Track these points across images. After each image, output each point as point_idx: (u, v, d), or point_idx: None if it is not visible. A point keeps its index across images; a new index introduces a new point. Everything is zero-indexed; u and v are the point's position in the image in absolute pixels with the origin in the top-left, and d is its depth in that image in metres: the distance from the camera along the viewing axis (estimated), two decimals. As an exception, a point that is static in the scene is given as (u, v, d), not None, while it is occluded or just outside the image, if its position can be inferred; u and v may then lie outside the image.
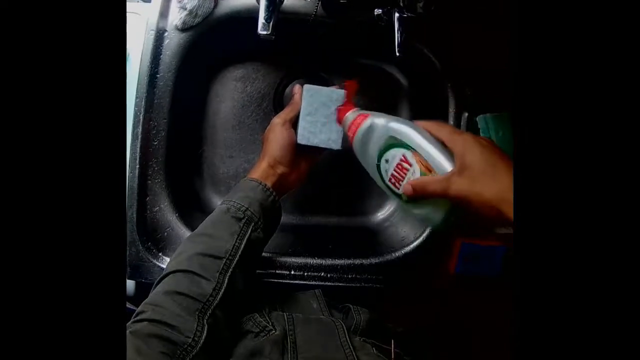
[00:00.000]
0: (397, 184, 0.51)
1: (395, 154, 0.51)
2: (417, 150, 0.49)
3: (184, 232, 0.69)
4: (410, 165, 0.49)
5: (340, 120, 0.61)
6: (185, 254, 0.52)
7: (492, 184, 0.43)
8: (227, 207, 0.56)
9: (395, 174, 0.51)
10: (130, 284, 0.71)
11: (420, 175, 0.48)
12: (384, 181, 0.54)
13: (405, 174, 0.50)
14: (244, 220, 0.55)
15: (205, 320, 0.46)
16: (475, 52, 0.71)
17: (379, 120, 0.54)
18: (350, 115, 0.59)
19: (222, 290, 0.49)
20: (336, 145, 0.64)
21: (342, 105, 0.62)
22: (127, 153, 0.67)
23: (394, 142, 0.51)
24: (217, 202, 0.80)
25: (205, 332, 0.45)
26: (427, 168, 0.48)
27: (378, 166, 0.54)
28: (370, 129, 0.54)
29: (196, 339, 0.44)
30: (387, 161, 0.52)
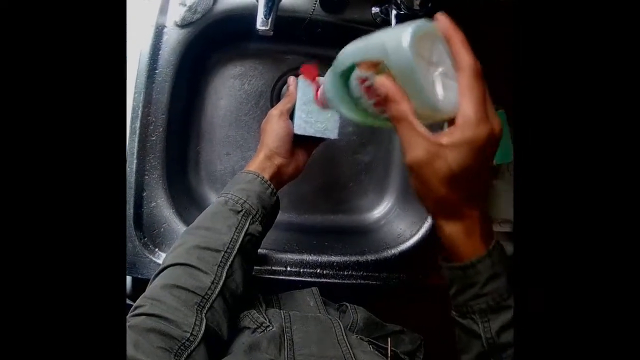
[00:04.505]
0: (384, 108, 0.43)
1: (355, 83, 0.44)
2: (359, 60, 0.42)
3: (181, 228, 0.69)
4: (367, 78, 0.42)
5: (319, 103, 0.62)
6: (183, 246, 0.51)
7: (432, 193, 0.40)
8: (225, 199, 0.56)
9: (372, 99, 0.43)
10: (126, 280, 0.71)
11: (377, 77, 0.40)
12: (378, 118, 0.46)
13: (374, 90, 0.42)
14: (242, 213, 0.55)
15: (203, 314, 0.46)
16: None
17: (326, 75, 0.49)
18: (319, 90, 0.59)
19: (221, 284, 0.49)
20: (333, 134, 0.64)
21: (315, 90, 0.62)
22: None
23: (344, 74, 0.45)
24: (214, 199, 0.80)
25: (203, 326, 0.45)
26: (373, 66, 0.41)
27: (364, 111, 0.47)
28: (328, 87, 0.49)
29: (195, 333, 0.44)
30: (359, 97, 0.45)
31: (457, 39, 0.38)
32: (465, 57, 0.38)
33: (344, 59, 0.44)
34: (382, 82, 0.39)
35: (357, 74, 0.43)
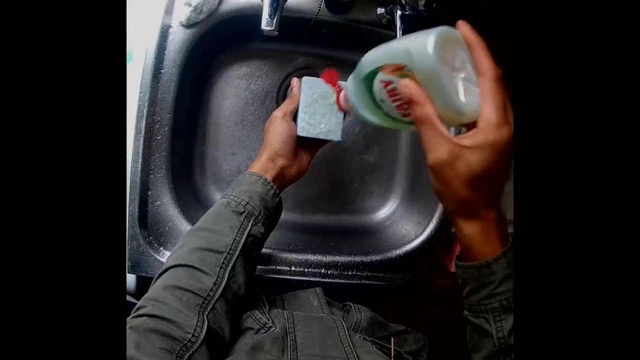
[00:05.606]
0: (407, 111, 0.43)
1: (379, 87, 0.45)
2: (383, 64, 0.43)
3: (185, 227, 0.70)
4: (391, 82, 0.42)
5: (341, 108, 0.62)
6: (185, 248, 0.52)
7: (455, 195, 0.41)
8: (227, 201, 0.56)
9: (395, 102, 0.44)
10: (131, 278, 0.71)
11: (400, 79, 0.41)
12: (400, 121, 0.46)
13: (397, 93, 0.42)
14: (244, 215, 0.55)
15: (205, 316, 0.46)
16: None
17: (349, 80, 0.50)
18: (341, 95, 0.59)
19: (223, 285, 0.49)
20: (336, 136, 0.64)
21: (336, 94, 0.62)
22: (129, 147, 0.68)
23: (367, 78, 0.45)
24: (219, 198, 0.80)
25: (205, 327, 0.45)
26: (397, 69, 0.41)
27: (386, 114, 0.47)
28: (350, 91, 0.50)
29: (196, 334, 0.44)
30: (382, 101, 0.46)
31: (479, 45, 0.39)
32: (487, 63, 0.39)
33: (367, 64, 0.45)
34: (407, 85, 0.40)
35: (380, 77, 0.44)
